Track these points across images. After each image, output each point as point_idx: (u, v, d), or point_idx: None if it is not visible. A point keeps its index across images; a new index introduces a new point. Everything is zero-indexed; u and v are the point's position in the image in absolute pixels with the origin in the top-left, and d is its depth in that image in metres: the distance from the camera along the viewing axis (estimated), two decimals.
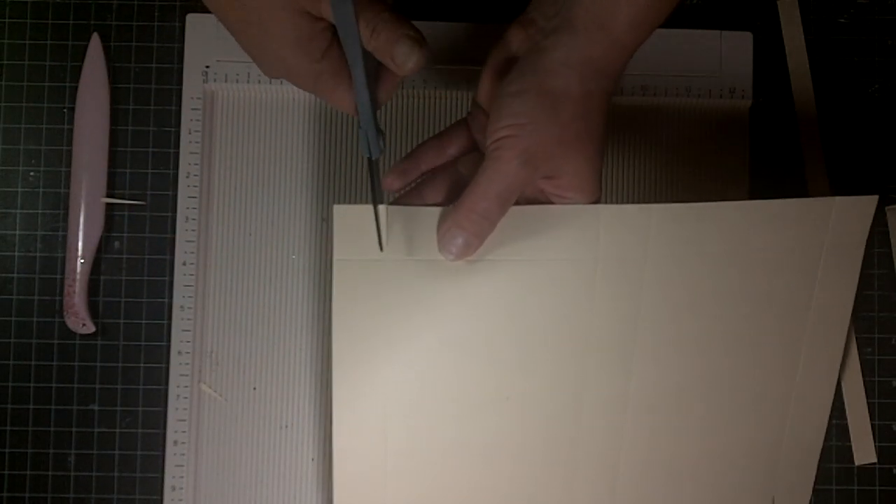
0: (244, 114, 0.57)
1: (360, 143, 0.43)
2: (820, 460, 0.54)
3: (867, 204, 0.48)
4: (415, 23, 0.40)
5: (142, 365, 0.56)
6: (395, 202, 0.48)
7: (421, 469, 0.49)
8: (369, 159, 0.43)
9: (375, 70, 0.43)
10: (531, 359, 0.48)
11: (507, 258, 0.46)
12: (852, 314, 0.53)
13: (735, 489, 0.52)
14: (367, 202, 0.44)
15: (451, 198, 0.47)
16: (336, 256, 0.45)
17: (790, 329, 0.49)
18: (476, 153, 0.48)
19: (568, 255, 0.46)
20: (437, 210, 0.45)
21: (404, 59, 0.41)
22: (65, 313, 0.55)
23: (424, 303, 0.46)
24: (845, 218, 0.48)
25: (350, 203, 0.52)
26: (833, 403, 0.55)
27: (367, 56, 0.41)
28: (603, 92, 0.43)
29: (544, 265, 0.46)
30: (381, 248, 0.45)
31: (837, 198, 0.47)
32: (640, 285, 0.47)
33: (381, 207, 0.45)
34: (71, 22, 0.57)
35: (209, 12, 0.55)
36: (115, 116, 0.57)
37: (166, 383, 0.55)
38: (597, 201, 0.45)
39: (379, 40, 0.41)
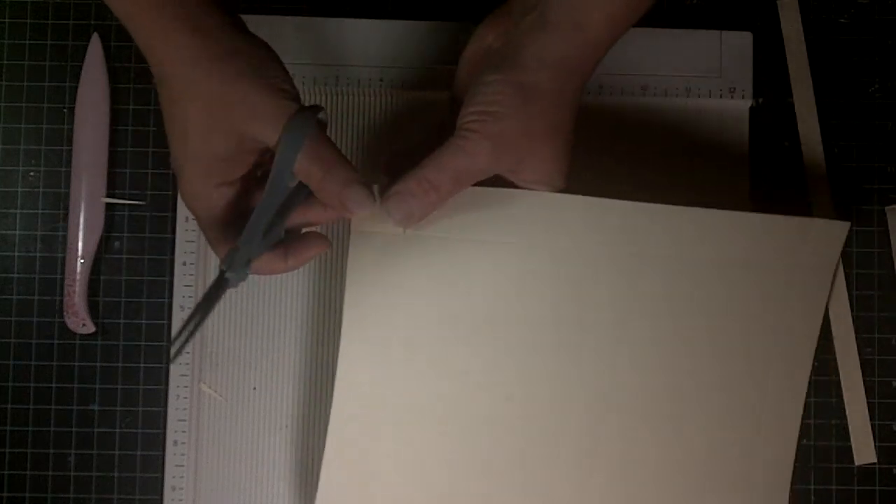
0: None
1: (229, 259, 0.41)
2: (819, 460, 0.54)
3: (840, 229, 0.50)
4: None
5: (142, 365, 0.56)
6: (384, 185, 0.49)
7: (413, 465, 0.49)
8: (223, 276, 0.42)
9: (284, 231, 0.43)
10: (532, 356, 0.48)
11: (499, 240, 0.47)
12: (852, 314, 0.53)
13: (712, 494, 0.52)
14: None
15: None
16: (354, 228, 0.47)
17: (759, 343, 0.50)
18: None
19: (548, 241, 0.47)
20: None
21: (355, 204, 0.41)
22: (65, 313, 0.55)
23: (430, 281, 0.47)
24: (821, 239, 0.49)
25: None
26: (833, 403, 0.56)
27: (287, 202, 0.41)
28: (574, 89, 0.43)
29: (542, 251, 0.47)
30: None
31: (817, 219, 0.50)
32: (632, 286, 0.48)
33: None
34: (71, 22, 0.57)
35: None
36: (115, 116, 0.57)
37: (166, 383, 0.55)
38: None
39: (332, 182, 0.40)
